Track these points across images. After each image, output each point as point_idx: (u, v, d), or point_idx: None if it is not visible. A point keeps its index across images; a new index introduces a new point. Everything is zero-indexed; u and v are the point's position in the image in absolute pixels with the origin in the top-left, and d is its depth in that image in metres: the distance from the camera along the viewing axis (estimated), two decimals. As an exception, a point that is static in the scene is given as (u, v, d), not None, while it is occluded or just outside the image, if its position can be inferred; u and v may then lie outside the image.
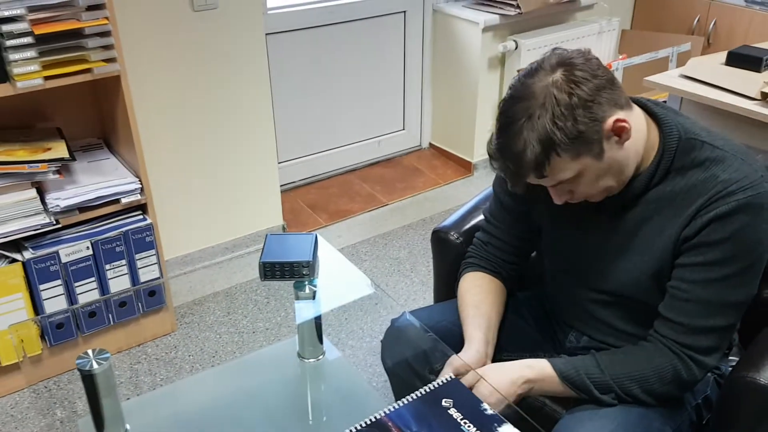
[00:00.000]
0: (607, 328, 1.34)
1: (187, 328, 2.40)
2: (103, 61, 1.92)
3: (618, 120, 1.11)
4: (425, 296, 2.51)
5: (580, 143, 1.09)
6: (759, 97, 2.05)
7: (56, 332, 2.08)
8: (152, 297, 2.25)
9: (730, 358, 1.41)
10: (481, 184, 3.20)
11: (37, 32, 1.79)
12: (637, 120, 1.17)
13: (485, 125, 3.29)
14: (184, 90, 2.43)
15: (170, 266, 2.60)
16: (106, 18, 1.88)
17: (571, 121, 1.07)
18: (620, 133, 1.12)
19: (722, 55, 2.27)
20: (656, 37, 3.31)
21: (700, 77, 2.22)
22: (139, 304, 2.23)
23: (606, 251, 1.27)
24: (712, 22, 3.31)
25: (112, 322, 2.18)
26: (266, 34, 2.57)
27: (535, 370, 1.23)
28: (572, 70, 1.09)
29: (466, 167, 3.35)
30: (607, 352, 1.25)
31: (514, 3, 3.06)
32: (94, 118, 2.29)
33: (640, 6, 3.67)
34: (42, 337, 2.09)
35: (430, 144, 3.55)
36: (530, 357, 1.29)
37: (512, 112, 1.11)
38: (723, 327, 1.18)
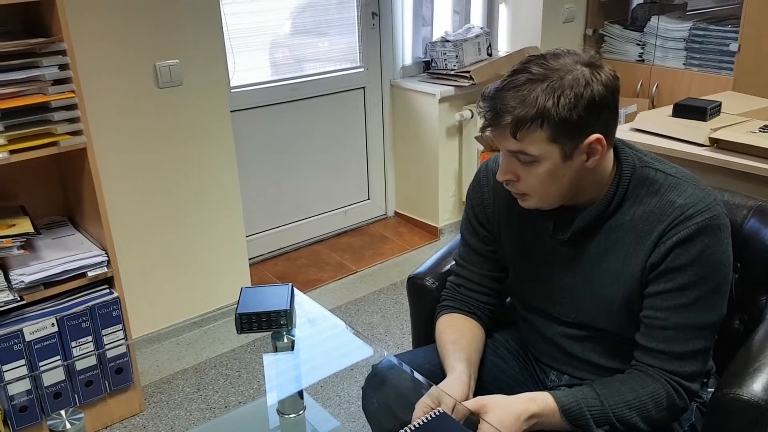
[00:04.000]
0: (585, 365, 1.34)
1: (156, 407, 2.31)
2: (69, 134, 1.93)
3: (598, 139, 1.15)
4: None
5: (562, 131, 1.12)
6: (708, 143, 2.16)
7: (19, 416, 1.98)
8: (119, 375, 2.17)
9: (709, 390, 1.42)
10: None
11: (2, 107, 1.80)
12: (609, 154, 1.22)
13: (448, 191, 3.36)
14: (151, 165, 2.44)
15: (137, 345, 2.52)
16: (72, 92, 1.90)
17: (570, 106, 1.11)
18: (592, 154, 1.17)
19: (668, 109, 2.40)
20: (604, 101, 3.47)
21: (650, 129, 2.34)
22: (106, 383, 2.15)
23: (572, 284, 1.29)
24: (655, 85, 3.50)
25: (78, 403, 2.09)
26: (231, 111, 2.63)
27: (538, 403, 1.19)
28: (594, 73, 1.13)
29: (432, 232, 3.39)
30: (603, 382, 1.23)
31: (467, 75, 3.19)
32: (57, 196, 2.27)
33: (586, 75, 3.86)
34: (5, 421, 1.98)
35: (395, 212, 3.59)
36: None
37: (531, 68, 1.13)
38: (702, 350, 1.20)
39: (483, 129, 1.20)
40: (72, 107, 1.91)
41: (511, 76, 1.15)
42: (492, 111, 1.15)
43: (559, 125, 1.12)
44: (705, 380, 1.40)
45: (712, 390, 1.38)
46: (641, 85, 3.56)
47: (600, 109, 1.13)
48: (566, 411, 1.19)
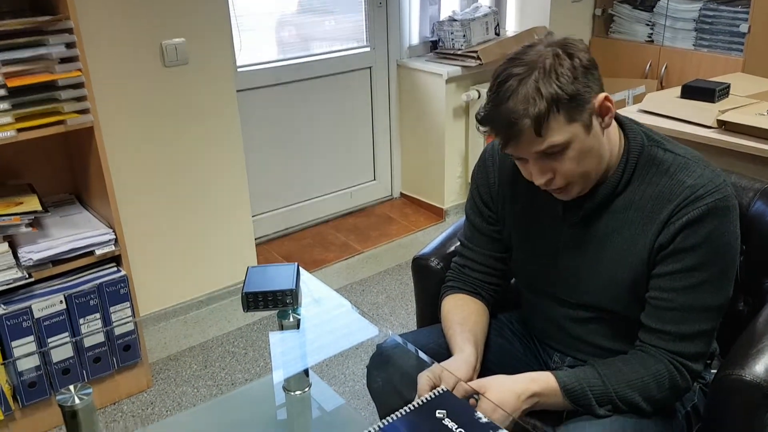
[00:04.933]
0: (588, 347, 1.35)
1: (163, 383, 2.34)
2: (76, 112, 1.93)
3: (607, 98, 1.16)
4: (405, 339, 2.49)
5: (575, 106, 1.12)
6: (715, 125, 2.15)
7: (28, 391, 2.01)
8: (127, 351, 2.20)
9: (712, 371, 1.43)
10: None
11: (10, 85, 1.80)
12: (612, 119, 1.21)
13: (454, 172, 3.36)
14: (157, 144, 2.44)
15: (145, 323, 2.55)
16: (79, 70, 1.90)
17: (571, 79, 1.11)
18: (605, 113, 1.17)
19: (677, 90, 2.38)
20: (612, 82, 3.45)
21: (658, 110, 2.32)
22: (114, 359, 2.17)
23: (577, 266, 1.29)
24: (664, 66, 3.47)
25: (86, 379, 2.11)
26: (237, 90, 2.62)
27: (539, 383, 1.20)
28: (569, 45, 1.14)
29: (437, 214, 3.39)
30: (606, 362, 1.24)
31: (474, 55, 3.18)
32: (65, 174, 2.28)
33: (594, 55, 3.84)
34: (14, 397, 2.01)
35: (401, 193, 3.59)
36: None
37: (512, 71, 1.12)
38: (707, 331, 1.21)
39: (504, 148, 1.17)
40: (79, 86, 1.91)
41: (498, 90, 1.13)
42: (505, 127, 1.13)
43: (570, 102, 1.11)
44: (709, 361, 1.40)
45: (716, 371, 1.40)
46: (650, 65, 3.53)
47: (593, 70, 1.14)
48: (568, 391, 1.20)
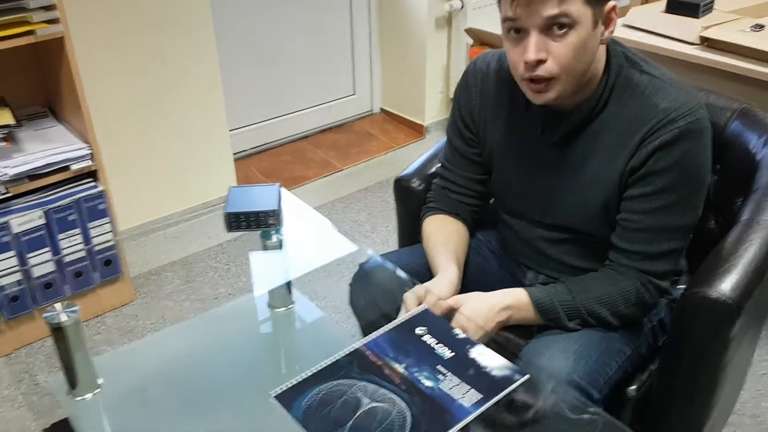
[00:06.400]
0: (561, 266, 1.39)
1: (146, 297, 2.38)
2: (46, 22, 1.86)
3: (614, 7, 1.15)
4: (385, 254, 2.54)
5: None
6: (698, 41, 2.14)
7: (11, 305, 2.03)
8: (108, 266, 2.22)
9: (680, 286, 1.48)
10: (434, 146, 3.23)
11: (-27, -7, 1.73)
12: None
13: (435, 87, 3.32)
14: (130, 56, 2.36)
15: (125, 238, 2.55)
16: (46, -23, 1.82)
17: None
18: (608, 24, 1.16)
19: (662, 4, 2.35)
20: (597, -6, 3.38)
21: (642, 26, 2.30)
22: (96, 274, 2.19)
23: (553, 187, 1.31)
24: (650, -21, 3.40)
25: (68, 293, 2.14)
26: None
27: (512, 297, 1.25)
28: None
29: (418, 130, 3.37)
30: (576, 279, 1.28)
31: (458, -37, 3.07)
32: (38, 86, 2.22)
33: (579, -34, 3.74)
34: (-3, 311, 2.03)
35: (381, 109, 3.55)
36: None
37: None
38: (676, 250, 1.25)
39: (516, 6, 1.11)
40: (47, -6, 1.84)
41: None
42: None
43: None
44: (677, 278, 1.46)
45: (683, 287, 1.45)
46: (636, -23, 3.45)
47: None
48: (539, 305, 1.25)
